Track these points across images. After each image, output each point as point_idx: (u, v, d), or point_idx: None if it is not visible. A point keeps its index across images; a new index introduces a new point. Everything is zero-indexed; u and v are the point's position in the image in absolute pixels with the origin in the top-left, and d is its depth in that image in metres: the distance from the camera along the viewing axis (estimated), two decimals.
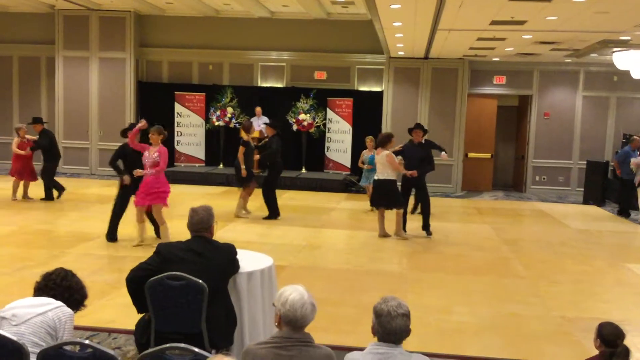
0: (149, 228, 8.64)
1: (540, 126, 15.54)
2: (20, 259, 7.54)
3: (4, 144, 16.66)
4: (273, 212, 10.79)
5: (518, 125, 16.62)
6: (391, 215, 9.67)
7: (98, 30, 15.90)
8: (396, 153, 9.64)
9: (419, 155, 9.65)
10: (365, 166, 12.02)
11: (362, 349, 3.02)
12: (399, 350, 2.89)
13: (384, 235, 9.58)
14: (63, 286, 3.54)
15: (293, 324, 2.96)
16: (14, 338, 2.97)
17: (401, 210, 9.54)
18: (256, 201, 11.31)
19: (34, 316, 3.25)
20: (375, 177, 9.59)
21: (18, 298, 3.45)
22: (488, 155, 15.97)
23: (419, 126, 9.98)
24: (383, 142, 9.45)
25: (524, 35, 11.10)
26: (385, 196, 9.41)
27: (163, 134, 8.14)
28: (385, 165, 9.29)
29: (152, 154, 7.98)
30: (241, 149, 10.59)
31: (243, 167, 10.53)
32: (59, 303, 3.39)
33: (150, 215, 8.58)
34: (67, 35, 15.95)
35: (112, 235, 8.58)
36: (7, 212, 10.50)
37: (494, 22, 9.80)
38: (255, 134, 13.62)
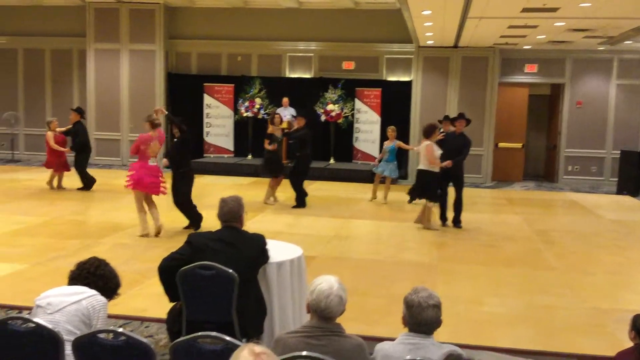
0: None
1: (573, 115, 15.26)
2: (54, 249, 7.68)
3: (38, 136, 16.96)
4: (301, 201, 10.87)
5: (550, 115, 16.34)
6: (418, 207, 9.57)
7: (128, 22, 16.05)
8: (440, 142, 9.56)
9: (458, 146, 9.47)
10: (376, 161, 11.95)
11: (392, 339, 3.01)
12: (431, 341, 2.88)
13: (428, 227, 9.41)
14: (97, 275, 3.59)
15: (319, 313, 2.96)
16: (50, 326, 3.02)
17: (432, 204, 9.40)
18: (287, 191, 11.34)
19: (68, 304, 3.30)
20: (419, 167, 9.48)
21: (52, 287, 3.51)
22: (519, 145, 15.74)
23: (462, 116, 9.83)
24: (427, 132, 9.30)
25: (556, 23, 10.89)
26: (421, 186, 9.40)
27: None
28: (425, 156, 9.20)
29: None
30: (266, 141, 10.99)
31: (270, 146, 10.87)
32: (93, 292, 3.44)
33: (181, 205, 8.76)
34: (97, 28, 16.14)
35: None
36: (40, 203, 10.71)
37: (525, 10, 9.63)
38: (283, 125, 13.67)
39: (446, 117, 11.05)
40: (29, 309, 3.74)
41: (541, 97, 16.33)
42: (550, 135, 16.21)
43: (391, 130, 11.76)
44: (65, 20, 16.60)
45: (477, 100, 15.10)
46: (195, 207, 8.90)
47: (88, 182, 12.07)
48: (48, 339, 2.97)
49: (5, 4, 16.61)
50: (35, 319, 3.08)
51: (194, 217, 8.87)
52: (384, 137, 14.53)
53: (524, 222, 10.45)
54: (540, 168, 16.77)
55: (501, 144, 15.62)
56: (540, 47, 14.51)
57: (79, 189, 12.02)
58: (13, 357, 3.05)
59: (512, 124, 15.62)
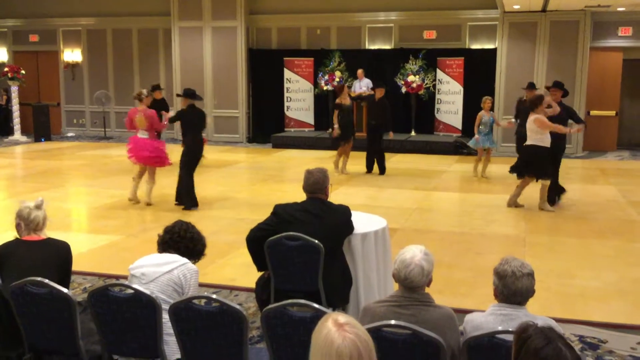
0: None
1: None
2: (146, 220, 8.04)
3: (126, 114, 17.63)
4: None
5: None
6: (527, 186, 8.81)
7: (210, 0, 16.31)
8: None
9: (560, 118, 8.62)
10: (477, 138, 10.96)
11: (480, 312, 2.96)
12: (524, 312, 2.80)
13: (514, 205, 8.73)
14: (187, 238, 3.71)
15: (401, 282, 2.93)
16: (147, 292, 3.16)
17: (547, 182, 8.50)
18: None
19: (161, 275, 3.43)
20: (527, 143, 8.47)
21: (144, 255, 3.65)
22: (612, 113, 14.96)
23: (558, 85, 8.93)
24: (534, 104, 8.34)
25: None
26: (532, 164, 8.38)
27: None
28: (534, 130, 8.25)
29: None
30: (335, 112, 11.08)
31: (336, 126, 11.04)
32: (184, 260, 3.55)
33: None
34: (181, 6, 16.50)
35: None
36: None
37: None
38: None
39: (531, 85, 10.48)
40: (125, 277, 3.93)
41: (636, 61, 15.37)
42: None
43: (489, 101, 10.97)
44: None
45: (567, 67, 14.40)
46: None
47: None
48: (146, 304, 3.12)
49: None
50: (134, 285, 3.22)
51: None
52: (467, 108, 14.21)
53: (618, 193, 9.96)
54: (635, 137, 15.86)
55: (593, 112, 14.88)
56: (635, 8, 13.64)
57: None
58: (115, 321, 3.22)
59: (605, 90, 14.84)
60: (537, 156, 8.31)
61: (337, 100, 11.15)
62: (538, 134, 8.22)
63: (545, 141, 8.22)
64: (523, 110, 9.61)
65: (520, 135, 9.61)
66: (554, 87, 8.92)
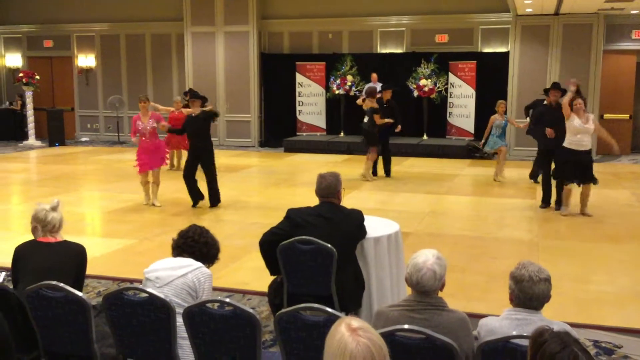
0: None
1: None
2: (160, 224, 8.06)
3: None
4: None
5: None
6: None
7: (223, 5, 16.39)
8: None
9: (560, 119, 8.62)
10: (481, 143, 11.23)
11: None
12: (539, 317, 2.78)
13: (585, 214, 8.49)
14: (201, 242, 3.72)
15: (413, 287, 2.93)
16: (161, 296, 3.17)
17: (570, 186, 8.41)
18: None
19: (175, 278, 3.44)
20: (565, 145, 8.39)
21: (159, 260, 3.67)
22: (626, 116, 14.84)
23: (555, 86, 9.11)
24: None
25: None
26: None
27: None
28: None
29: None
30: (376, 117, 10.82)
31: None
32: (198, 264, 3.56)
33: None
34: (194, 11, 16.59)
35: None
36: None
37: None
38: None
39: (555, 85, 10.24)
40: (139, 281, 3.95)
41: None
42: None
43: (503, 105, 10.98)
44: (163, 5, 17.19)
45: (580, 70, 14.30)
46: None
47: None
48: (161, 308, 3.13)
49: None
50: (148, 289, 3.24)
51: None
52: (479, 112, 14.16)
53: (633, 197, 9.89)
54: None
55: (607, 115, 14.78)
56: None
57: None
58: (130, 325, 3.23)
59: (619, 93, 14.72)
60: (558, 158, 8.45)
61: (370, 104, 10.94)
62: (568, 134, 8.24)
63: (568, 142, 8.22)
64: (547, 112, 9.59)
65: (535, 135, 9.71)
66: (552, 89, 9.13)
